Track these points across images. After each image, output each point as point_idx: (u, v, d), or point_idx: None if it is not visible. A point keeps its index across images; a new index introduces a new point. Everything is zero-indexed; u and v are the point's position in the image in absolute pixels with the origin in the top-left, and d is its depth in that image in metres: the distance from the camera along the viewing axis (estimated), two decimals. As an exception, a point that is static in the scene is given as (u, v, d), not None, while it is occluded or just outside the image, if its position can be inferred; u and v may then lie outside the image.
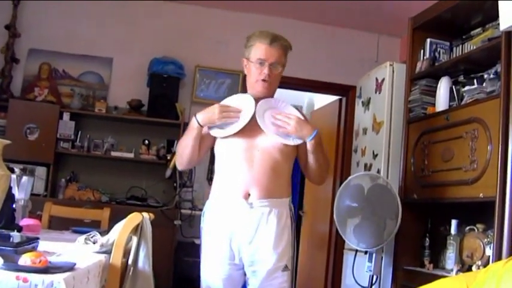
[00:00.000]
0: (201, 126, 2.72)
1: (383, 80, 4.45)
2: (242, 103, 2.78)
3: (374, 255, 3.86)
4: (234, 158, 2.73)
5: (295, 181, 5.30)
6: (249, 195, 2.65)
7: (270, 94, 2.83)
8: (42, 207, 3.75)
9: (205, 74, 5.75)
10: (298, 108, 2.90)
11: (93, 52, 5.61)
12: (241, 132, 2.70)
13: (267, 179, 2.66)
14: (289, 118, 2.68)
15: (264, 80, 2.76)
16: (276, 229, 2.65)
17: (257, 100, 2.77)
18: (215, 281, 2.71)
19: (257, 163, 2.68)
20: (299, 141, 2.71)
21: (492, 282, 1.95)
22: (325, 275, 5.89)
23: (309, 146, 2.71)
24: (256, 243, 2.65)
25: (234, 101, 2.83)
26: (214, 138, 2.81)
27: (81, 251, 2.28)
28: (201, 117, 2.70)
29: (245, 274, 2.74)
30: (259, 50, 2.77)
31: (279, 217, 2.67)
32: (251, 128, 2.70)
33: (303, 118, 2.78)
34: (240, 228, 2.65)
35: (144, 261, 2.45)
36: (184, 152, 2.79)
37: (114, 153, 5.31)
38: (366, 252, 3.96)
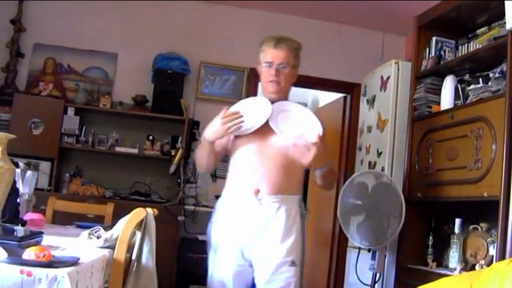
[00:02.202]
0: (212, 142, 2.79)
1: (388, 78, 4.45)
2: (258, 104, 2.85)
3: (377, 253, 3.86)
4: (246, 156, 2.81)
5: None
6: (259, 191, 2.72)
7: (281, 95, 2.90)
8: (46, 201, 3.75)
9: (210, 70, 5.75)
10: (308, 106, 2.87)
11: (98, 47, 5.61)
12: (254, 132, 2.78)
13: (277, 176, 2.73)
14: (308, 150, 2.61)
15: (272, 81, 2.84)
16: (284, 225, 2.71)
17: (272, 101, 2.84)
18: (225, 275, 2.76)
19: (268, 161, 2.75)
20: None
21: (495, 281, 1.95)
22: (328, 273, 5.89)
23: (318, 171, 2.75)
24: (264, 238, 2.71)
25: (251, 102, 2.91)
26: (229, 138, 2.87)
27: (85, 246, 2.29)
28: (208, 135, 2.76)
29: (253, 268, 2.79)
30: (266, 54, 2.86)
31: (288, 213, 2.74)
32: (264, 128, 2.77)
33: (320, 131, 2.74)
34: (249, 224, 2.72)
35: (148, 257, 2.45)
36: (201, 161, 2.92)
37: (118, 149, 5.31)
38: (369, 250, 3.96)
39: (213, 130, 2.75)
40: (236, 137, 2.83)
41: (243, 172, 2.82)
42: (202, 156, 2.88)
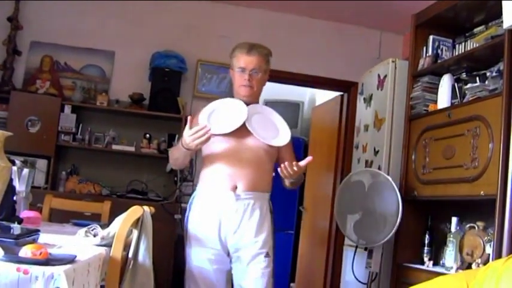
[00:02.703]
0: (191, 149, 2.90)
1: (385, 76, 4.45)
2: (235, 107, 3.05)
3: (374, 251, 3.86)
4: (224, 154, 2.98)
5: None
6: (236, 187, 2.92)
7: (253, 98, 3.12)
8: (43, 199, 3.75)
9: (207, 68, 5.75)
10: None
11: (95, 45, 5.61)
12: (232, 132, 2.96)
13: (252, 174, 2.95)
14: (294, 171, 2.84)
15: (245, 85, 3.04)
16: (258, 219, 2.94)
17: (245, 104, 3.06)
18: (204, 263, 2.94)
19: (245, 159, 2.96)
20: (280, 144, 3.03)
21: (492, 280, 1.95)
22: (324, 271, 5.90)
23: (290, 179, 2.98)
24: (240, 231, 2.92)
25: (228, 103, 3.09)
26: None
27: (81, 244, 2.29)
28: (185, 145, 2.85)
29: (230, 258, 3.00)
30: (239, 59, 3.06)
31: (261, 209, 2.97)
32: (240, 129, 2.96)
33: (286, 134, 3.08)
34: (227, 217, 2.92)
35: (145, 255, 2.45)
36: (177, 161, 3.11)
37: (115, 147, 5.31)
38: (365, 249, 3.97)
39: (184, 142, 2.84)
40: (214, 134, 2.91)
41: (220, 169, 2.97)
42: (178, 157, 3.03)
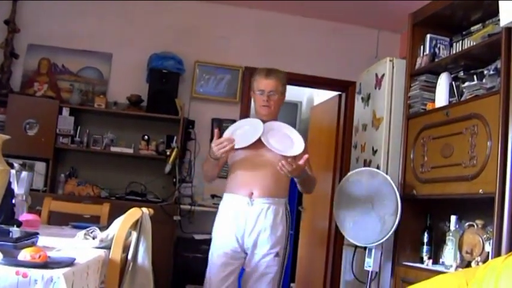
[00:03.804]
0: (217, 159, 3.32)
1: (383, 75, 4.45)
2: (253, 124, 3.43)
3: (373, 250, 3.86)
4: (243, 164, 3.38)
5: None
6: (252, 194, 3.28)
7: (271, 116, 3.48)
8: (42, 202, 3.75)
9: (205, 69, 5.75)
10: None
11: (93, 47, 5.61)
12: (250, 146, 3.33)
13: (267, 182, 3.31)
14: (292, 169, 3.14)
15: (264, 106, 3.43)
16: (272, 222, 3.28)
17: (264, 122, 3.41)
18: (223, 255, 3.29)
19: (260, 169, 3.33)
20: (293, 154, 3.29)
21: (491, 278, 1.95)
22: (324, 271, 5.90)
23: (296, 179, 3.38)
24: (255, 232, 3.27)
25: (247, 122, 3.54)
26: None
27: (80, 247, 2.28)
28: (212, 154, 3.28)
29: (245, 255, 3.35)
30: (259, 83, 3.46)
31: (276, 213, 3.31)
32: (257, 143, 3.32)
33: (301, 145, 3.37)
34: (243, 220, 3.28)
35: (144, 257, 2.45)
36: (207, 173, 3.51)
37: (113, 149, 5.31)
38: (365, 248, 3.97)
39: (212, 152, 3.27)
40: (235, 148, 3.30)
41: (239, 178, 3.37)
42: (208, 169, 3.45)
